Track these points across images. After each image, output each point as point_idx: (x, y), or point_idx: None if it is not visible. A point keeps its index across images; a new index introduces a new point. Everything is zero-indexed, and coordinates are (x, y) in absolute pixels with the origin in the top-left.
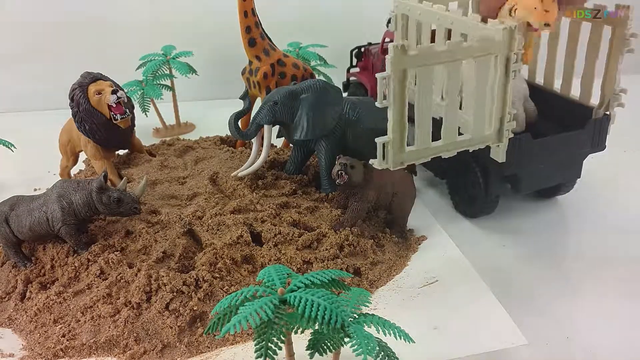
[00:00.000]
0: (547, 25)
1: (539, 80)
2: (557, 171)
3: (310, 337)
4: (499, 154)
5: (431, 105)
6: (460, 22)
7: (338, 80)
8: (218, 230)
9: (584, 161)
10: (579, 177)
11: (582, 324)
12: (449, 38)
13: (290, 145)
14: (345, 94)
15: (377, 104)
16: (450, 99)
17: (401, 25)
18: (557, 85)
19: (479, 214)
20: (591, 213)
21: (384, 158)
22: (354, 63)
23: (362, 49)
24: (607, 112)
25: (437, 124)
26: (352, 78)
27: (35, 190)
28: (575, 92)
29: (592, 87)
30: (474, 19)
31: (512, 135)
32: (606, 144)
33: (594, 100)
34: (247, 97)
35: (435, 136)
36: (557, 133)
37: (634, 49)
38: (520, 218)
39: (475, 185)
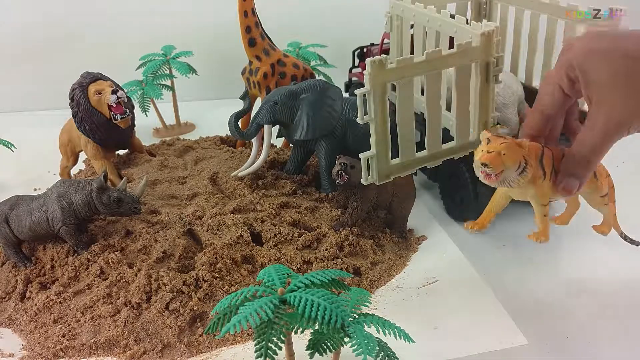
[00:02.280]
0: (484, 165)
1: (536, 84)
2: None
3: (310, 337)
4: None
5: (412, 116)
6: (448, 24)
7: (338, 80)
8: (218, 230)
9: None
10: None
11: (582, 324)
12: (451, 42)
13: (290, 145)
14: (346, 94)
15: (358, 120)
16: (432, 109)
17: (396, 27)
18: None
19: (468, 217)
20: (589, 216)
21: (369, 173)
22: (356, 63)
23: (364, 49)
24: None
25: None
26: (353, 78)
27: (35, 190)
28: None
29: None
30: (460, 21)
31: None
32: None
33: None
34: (247, 97)
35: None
36: None
37: None
38: (519, 221)
39: (464, 188)
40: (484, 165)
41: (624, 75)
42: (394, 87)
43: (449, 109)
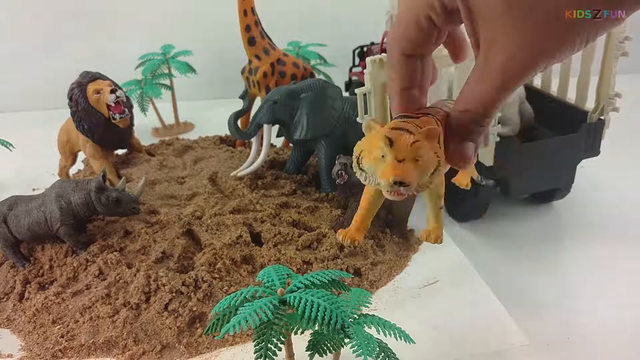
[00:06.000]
0: (399, 184)
1: (537, 83)
2: (547, 176)
3: (310, 338)
4: (486, 158)
5: None
6: None
7: (338, 80)
8: (217, 230)
9: (577, 166)
10: (572, 182)
11: (582, 325)
12: None
13: (290, 145)
14: (346, 94)
15: (358, 119)
16: None
17: None
18: (554, 88)
19: (468, 217)
20: (590, 216)
21: None
22: (357, 62)
23: (365, 48)
24: (602, 117)
25: None
26: (354, 77)
27: (33, 190)
28: (571, 95)
29: (587, 91)
30: None
31: (498, 139)
32: (600, 150)
33: (590, 105)
34: (247, 97)
35: None
36: (551, 137)
37: (628, 52)
38: (520, 221)
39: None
40: (399, 184)
41: None
42: None
43: None
